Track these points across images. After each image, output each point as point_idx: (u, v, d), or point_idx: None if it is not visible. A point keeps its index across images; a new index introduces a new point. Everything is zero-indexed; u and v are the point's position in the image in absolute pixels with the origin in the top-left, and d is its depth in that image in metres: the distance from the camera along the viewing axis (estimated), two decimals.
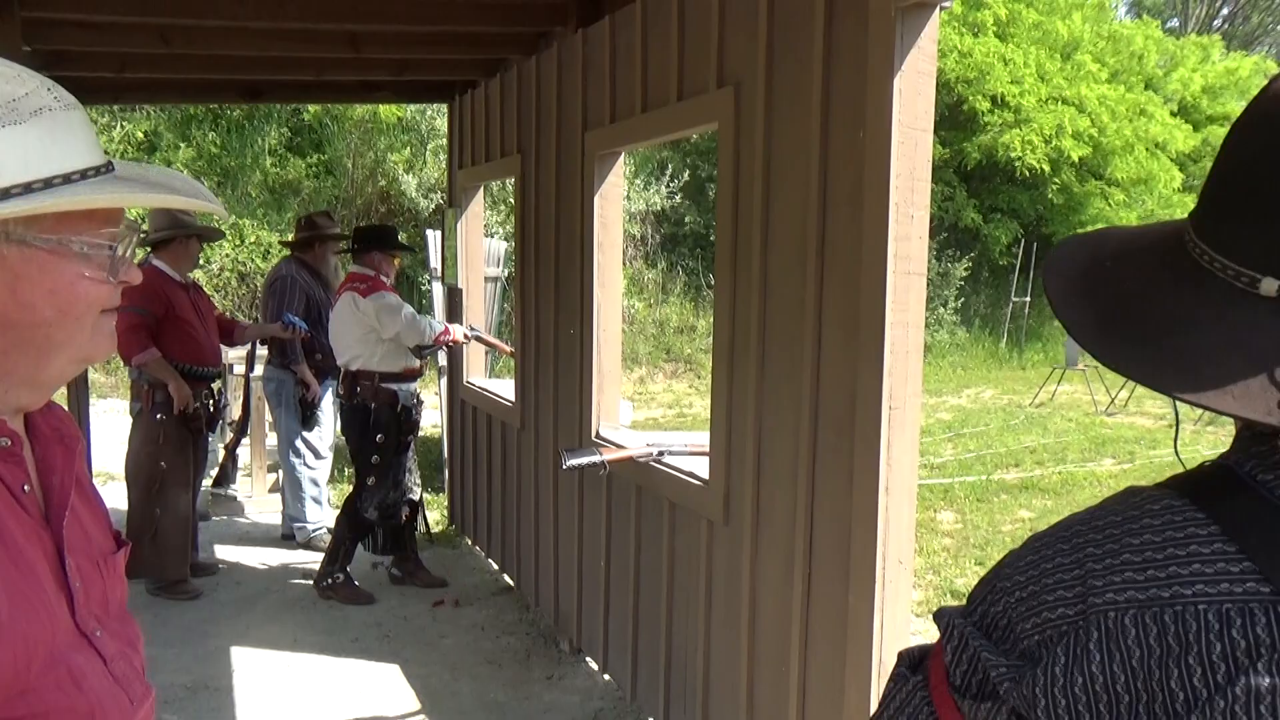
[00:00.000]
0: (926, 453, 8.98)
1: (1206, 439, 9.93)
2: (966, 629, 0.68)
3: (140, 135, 12.24)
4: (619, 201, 3.78)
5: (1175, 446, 0.78)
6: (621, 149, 3.65)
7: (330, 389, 5.44)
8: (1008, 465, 8.43)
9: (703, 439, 3.57)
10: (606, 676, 3.84)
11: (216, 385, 5.00)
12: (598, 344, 3.77)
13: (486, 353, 5.67)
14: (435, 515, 6.20)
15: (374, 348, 4.56)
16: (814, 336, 2.45)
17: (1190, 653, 0.56)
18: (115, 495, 5.77)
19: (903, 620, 2.30)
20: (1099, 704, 0.59)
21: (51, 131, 0.86)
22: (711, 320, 14.81)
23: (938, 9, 2.17)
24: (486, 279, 6.59)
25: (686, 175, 14.14)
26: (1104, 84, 16.42)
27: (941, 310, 15.75)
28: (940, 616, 0.71)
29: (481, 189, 5.56)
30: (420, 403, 4.82)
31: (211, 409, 4.86)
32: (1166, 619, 0.57)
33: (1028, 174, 15.48)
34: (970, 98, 15.51)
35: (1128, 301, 0.67)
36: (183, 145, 12.45)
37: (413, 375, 4.72)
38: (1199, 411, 11.18)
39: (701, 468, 3.11)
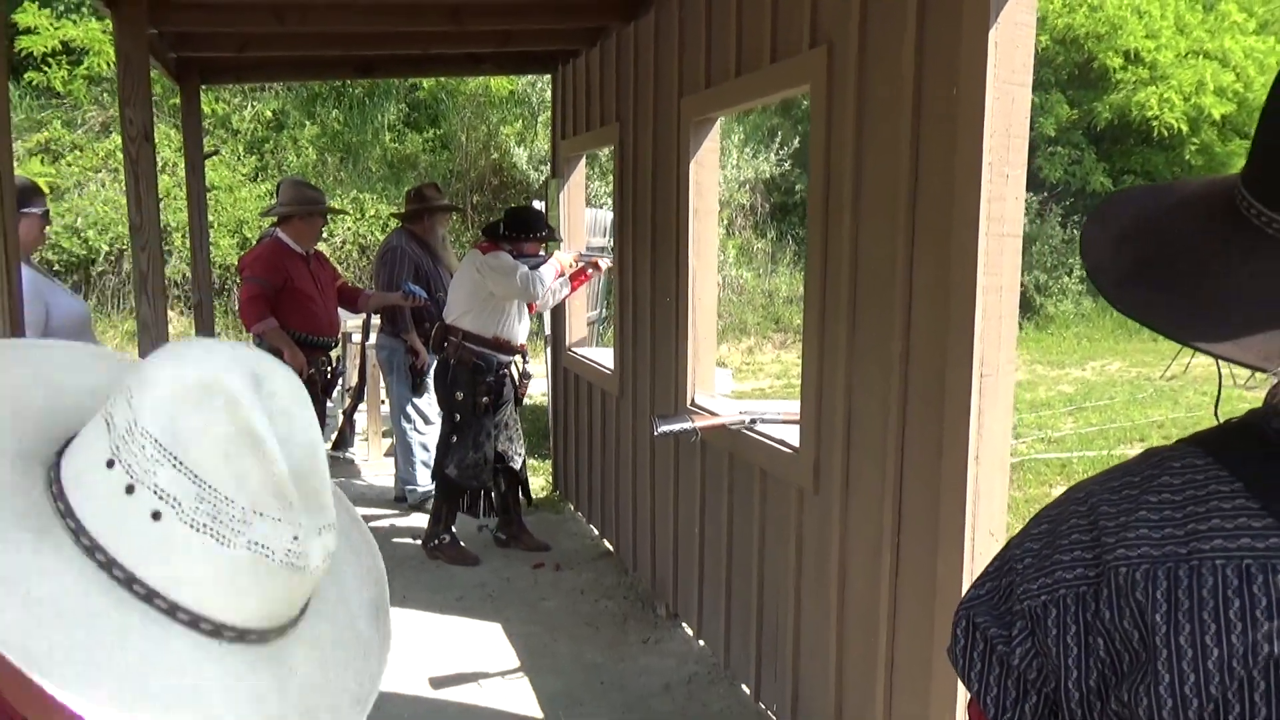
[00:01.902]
0: (1045, 426, 8.66)
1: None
2: (974, 614, 0.66)
3: (269, 114, 12.77)
4: (715, 168, 3.75)
5: (1216, 410, 0.73)
6: (717, 114, 3.62)
7: (433, 361, 5.60)
8: (1132, 440, 8.05)
9: (796, 407, 3.55)
10: (701, 642, 3.87)
11: (335, 353, 5.18)
12: (693, 312, 3.77)
13: (591, 323, 5.74)
14: (540, 481, 6.33)
15: (472, 305, 4.60)
16: (904, 302, 2.38)
17: (1205, 608, 0.53)
18: None
19: None
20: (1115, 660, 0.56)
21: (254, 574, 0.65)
22: None
23: None
24: (592, 249, 6.65)
25: (797, 142, 13.89)
26: (1250, 35, 15.32)
27: (1066, 279, 15.06)
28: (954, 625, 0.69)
29: (583, 159, 5.59)
30: (505, 374, 4.78)
31: (329, 375, 5.03)
32: (1180, 573, 0.55)
33: (1165, 134, 14.61)
34: (1101, 54, 14.71)
35: (1166, 250, 0.64)
36: (308, 123, 12.94)
37: (501, 346, 4.70)
38: (1260, 376, 10.41)
39: (793, 436, 3.09)
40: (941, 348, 2.24)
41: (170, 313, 11.65)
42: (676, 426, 3.26)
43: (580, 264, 4.98)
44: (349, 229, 12.10)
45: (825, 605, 2.81)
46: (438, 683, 3.64)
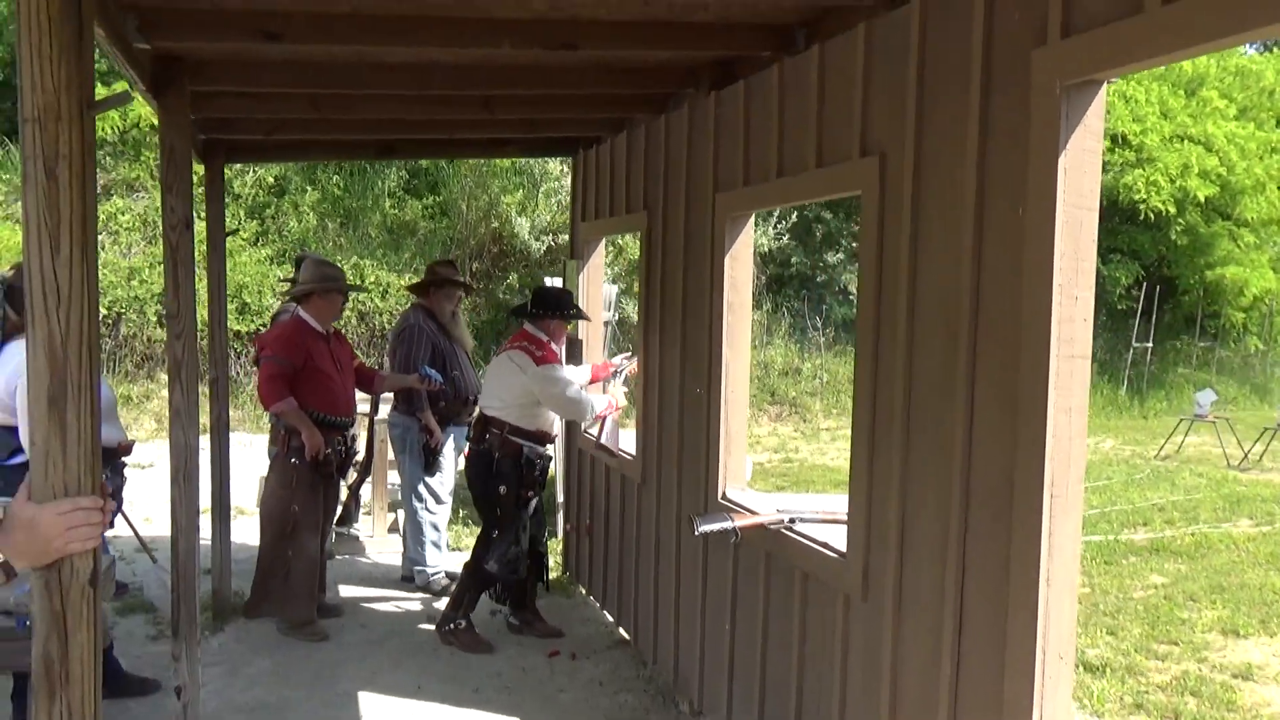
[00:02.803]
0: None
1: None
2: None
3: (270, 180, 12.84)
4: (749, 263, 3.77)
5: None
6: (754, 210, 3.65)
7: (453, 436, 5.56)
8: (1135, 524, 8.05)
9: (831, 503, 3.53)
10: None
11: (352, 432, 5.14)
12: (726, 405, 3.76)
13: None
14: (550, 562, 6.23)
15: (516, 402, 4.57)
16: (965, 415, 2.38)
17: None
18: (244, 530, 6.01)
19: (1063, 716, 2.20)
20: None
21: None
22: (817, 363, 14.63)
23: (1105, 85, 2.11)
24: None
25: (794, 216, 14.07)
26: (1232, 121, 15.76)
27: None
28: None
29: (603, 241, 5.63)
30: (548, 462, 4.80)
31: (344, 454, 5.01)
32: None
33: (1151, 216, 14.92)
34: None
35: None
36: (309, 188, 13.01)
37: (544, 438, 4.72)
38: (1253, 456, 10.52)
39: (835, 537, 3.06)
40: (1008, 464, 2.23)
41: (165, 378, 11.54)
42: (716, 526, 3.23)
43: (617, 409, 4.95)
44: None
45: (874, 717, 2.76)
46: None
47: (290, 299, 5.13)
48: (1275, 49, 21.95)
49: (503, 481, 4.58)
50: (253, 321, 11.48)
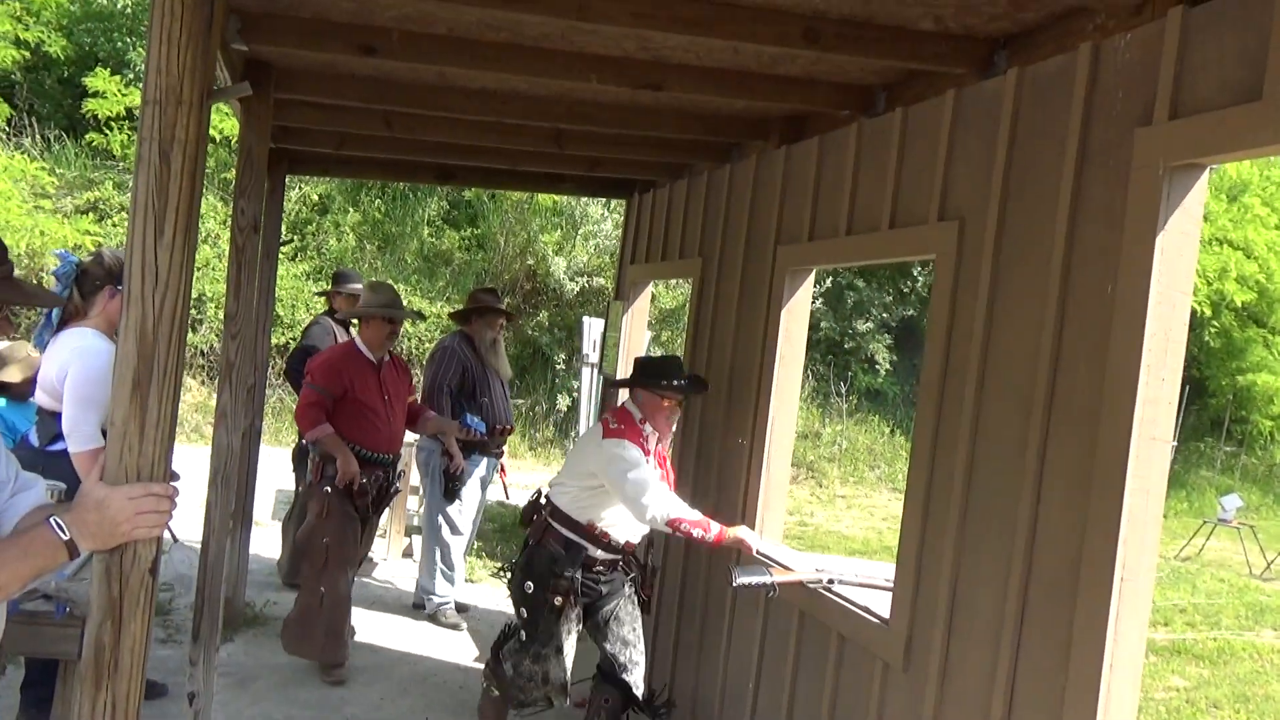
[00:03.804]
0: None
1: None
2: None
3: (315, 198, 12.99)
4: (805, 317, 3.76)
5: None
6: (816, 266, 3.65)
7: (478, 465, 5.52)
8: (1156, 624, 7.87)
9: (873, 570, 3.46)
10: None
11: (396, 469, 4.88)
12: (768, 458, 3.72)
13: None
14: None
15: (577, 484, 3.63)
16: (1033, 491, 2.33)
17: None
18: (258, 541, 5.97)
19: None
20: None
21: None
22: (838, 429, 14.55)
23: (1208, 170, 2.10)
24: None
25: (828, 281, 14.10)
26: (1272, 229, 15.75)
27: None
28: None
29: (650, 285, 5.64)
30: (604, 573, 3.68)
31: (380, 490, 4.69)
32: None
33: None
34: None
35: None
36: (351, 209, 13.15)
37: (598, 540, 3.61)
38: (1277, 567, 10.30)
39: (875, 603, 2.99)
40: (1076, 544, 2.18)
41: (192, 382, 11.59)
42: (755, 580, 3.17)
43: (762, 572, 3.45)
44: None
45: None
46: None
47: (338, 320, 5.12)
48: None
49: (529, 577, 3.59)
50: (282, 335, 11.53)
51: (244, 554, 5.19)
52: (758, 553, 3.50)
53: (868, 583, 3.20)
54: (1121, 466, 2.08)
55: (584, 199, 12.95)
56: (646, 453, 3.57)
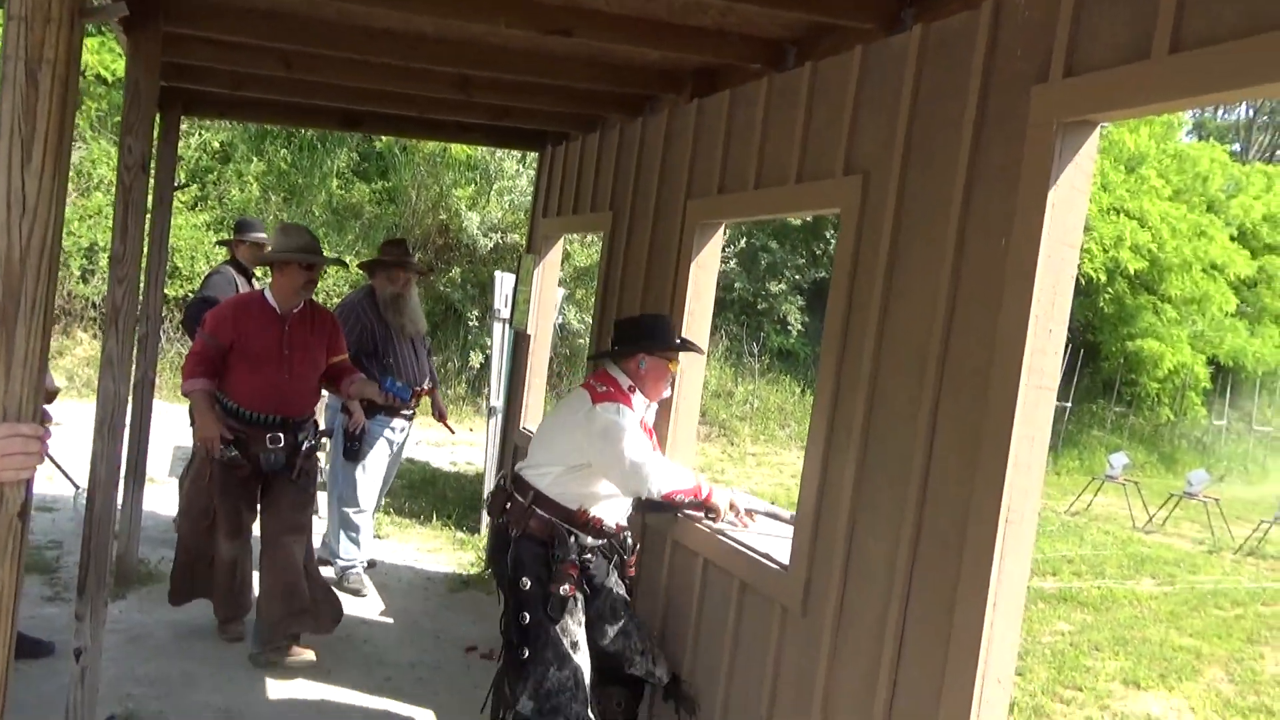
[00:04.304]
0: None
1: (1247, 569, 9.71)
2: None
3: (216, 145, 12.49)
4: (715, 271, 3.78)
5: None
6: (725, 221, 3.66)
7: (384, 428, 5.27)
8: (1044, 573, 8.25)
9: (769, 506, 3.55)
10: None
11: (303, 434, 4.22)
12: (675, 412, 3.74)
13: (551, 394, 5.65)
14: (471, 557, 6.14)
15: (563, 464, 3.20)
16: (926, 439, 2.40)
17: None
18: (153, 498, 5.78)
19: None
20: None
21: None
22: (750, 389, 14.74)
23: (1099, 128, 2.16)
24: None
25: (742, 242, 14.21)
26: (1166, 201, 16.42)
27: None
28: None
29: (561, 239, 5.59)
30: (610, 552, 3.33)
31: (276, 458, 4.09)
32: None
33: (1083, 282, 15.44)
34: None
35: None
36: (255, 159, 12.68)
37: (590, 527, 3.22)
38: (1239, 539, 10.96)
39: (776, 550, 3.06)
40: (966, 491, 2.25)
41: (83, 334, 11.10)
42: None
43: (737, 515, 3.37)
44: None
45: None
46: None
47: (249, 264, 4.77)
48: (1211, 139, 23.02)
49: (523, 572, 3.14)
50: (181, 287, 11.11)
51: (137, 511, 5.02)
52: (732, 506, 3.35)
53: (773, 513, 3.30)
54: (1009, 414, 2.15)
55: (498, 154, 12.74)
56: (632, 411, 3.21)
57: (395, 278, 5.22)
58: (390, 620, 4.93)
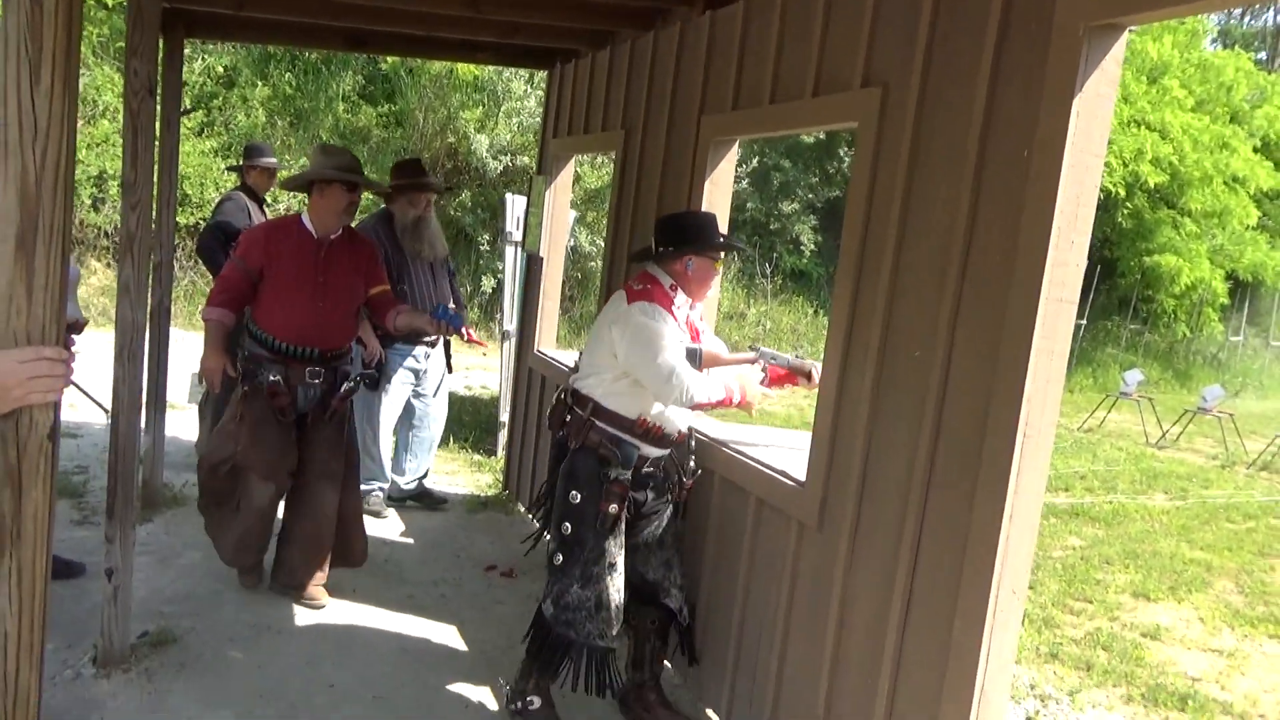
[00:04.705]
0: None
1: (1260, 483, 9.75)
2: None
3: (220, 70, 12.31)
4: (729, 188, 3.73)
5: None
6: (740, 137, 3.60)
7: (404, 358, 5.16)
8: (1056, 489, 8.31)
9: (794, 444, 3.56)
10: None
11: (343, 365, 4.08)
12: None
13: (564, 317, 5.65)
14: (488, 479, 6.22)
15: (610, 371, 3.12)
16: (944, 353, 2.39)
17: None
18: (175, 424, 5.86)
19: (1009, 652, 2.26)
20: None
21: None
22: (762, 310, 14.71)
23: (1126, 31, 2.09)
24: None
25: (754, 162, 14.01)
26: (1189, 112, 16.05)
27: None
28: None
29: (573, 160, 5.52)
30: (654, 473, 3.24)
31: (316, 392, 3.93)
32: None
33: (1102, 196, 15.21)
34: None
35: None
36: (260, 83, 12.52)
37: (651, 435, 3.15)
38: (1253, 454, 11.00)
39: (792, 467, 3.08)
40: (982, 404, 2.25)
41: (97, 264, 11.11)
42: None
43: (765, 382, 3.41)
44: (295, 196, 11.73)
45: (818, 649, 2.80)
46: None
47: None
48: (1236, 47, 22.37)
49: (574, 485, 3.11)
50: (192, 215, 11.08)
51: (160, 436, 5.09)
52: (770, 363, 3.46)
53: (797, 364, 3.42)
54: (1029, 327, 2.13)
55: (505, 74, 12.52)
56: (677, 322, 3.12)
57: (416, 200, 5.01)
58: (411, 540, 5.03)
